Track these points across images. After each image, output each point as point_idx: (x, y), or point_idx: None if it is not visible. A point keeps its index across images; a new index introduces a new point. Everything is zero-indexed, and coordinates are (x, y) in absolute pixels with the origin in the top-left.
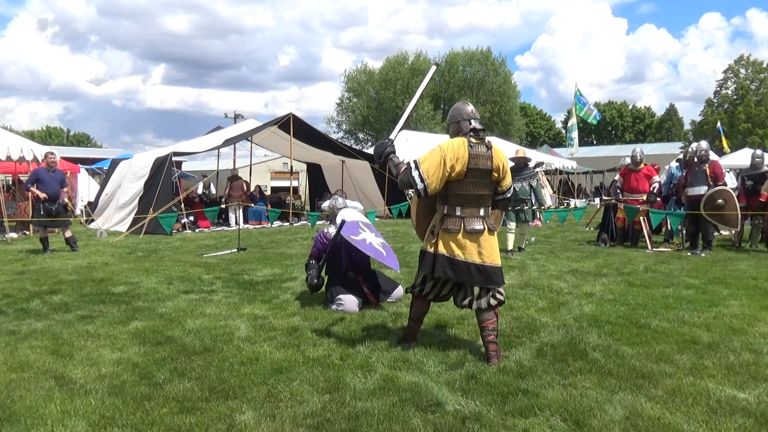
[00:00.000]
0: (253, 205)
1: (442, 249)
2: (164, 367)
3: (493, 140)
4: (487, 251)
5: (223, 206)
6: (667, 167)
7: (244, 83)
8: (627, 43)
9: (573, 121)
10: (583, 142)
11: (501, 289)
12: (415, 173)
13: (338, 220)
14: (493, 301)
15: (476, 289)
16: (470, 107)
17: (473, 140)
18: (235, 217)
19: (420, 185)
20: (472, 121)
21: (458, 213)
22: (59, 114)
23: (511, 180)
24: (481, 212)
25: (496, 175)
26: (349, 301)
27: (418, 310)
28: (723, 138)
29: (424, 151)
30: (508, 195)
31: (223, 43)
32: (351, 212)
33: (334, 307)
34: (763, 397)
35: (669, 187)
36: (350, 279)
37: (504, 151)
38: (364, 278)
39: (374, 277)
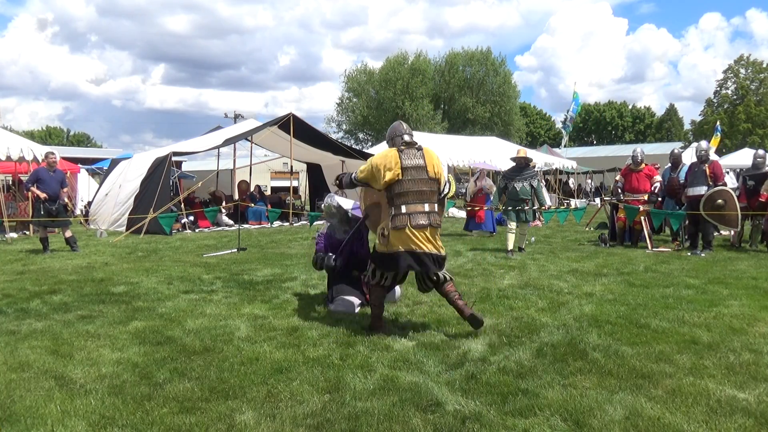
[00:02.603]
0: (252, 205)
1: (399, 246)
2: (164, 367)
3: (493, 140)
4: (436, 242)
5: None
6: (666, 167)
7: (244, 83)
8: (627, 43)
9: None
10: (583, 142)
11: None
12: (353, 172)
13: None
14: (447, 275)
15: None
16: (404, 126)
17: (403, 146)
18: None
19: (353, 175)
20: (405, 136)
21: (404, 211)
22: (59, 114)
23: (513, 180)
24: (426, 208)
25: (431, 170)
26: (349, 302)
27: (379, 297)
28: (716, 136)
29: None
30: (446, 191)
31: (223, 43)
32: (347, 201)
33: (333, 306)
34: (763, 397)
35: (664, 188)
36: (353, 278)
37: (504, 151)
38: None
39: None
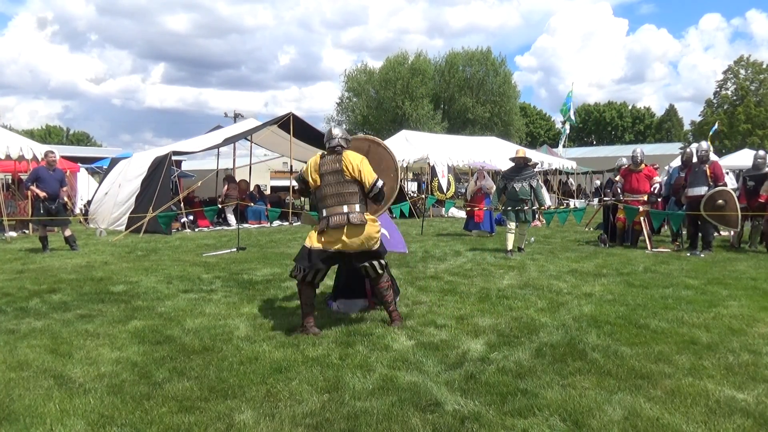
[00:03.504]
0: (252, 204)
1: (314, 244)
2: (163, 367)
3: (493, 140)
4: (351, 239)
5: (220, 206)
6: (666, 167)
7: (244, 82)
8: (627, 44)
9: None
10: (582, 143)
11: (380, 261)
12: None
13: None
14: (378, 270)
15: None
16: (335, 131)
17: (325, 152)
18: (235, 216)
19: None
20: (331, 141)
21: (324, 214)
22: (59, 113)
23: (513, 180)
24: (345, 209)
25: (348, 173)
26: (351, 303)
27: (307, 295)
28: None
29: (423, 151)
30: (376, 192)
31: (223, 43)
32: None
33: (335, 306)
34: (761, 397)
35: (669, 188)
36: (358, 277)
37: (504, 151)
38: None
39: None
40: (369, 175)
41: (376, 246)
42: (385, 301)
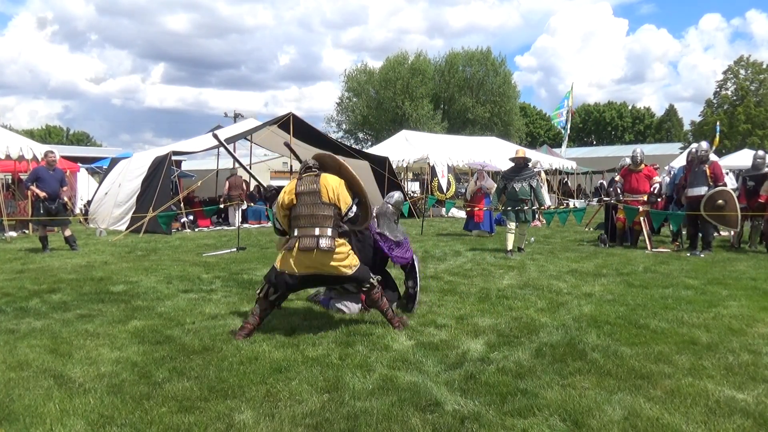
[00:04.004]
0: (252, 204)
1: (281, 265)
2: (163, 367)
3: (493, 140)
4: (318, 265)
5: (222, 206)
6: (667, 167)
7: (243, 82)
8: (627, 44)
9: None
10: (582, 143)
11: (365, 283)
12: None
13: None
14: (367, 285)
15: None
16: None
17: (303, 174)
18: (236, 216)
19: (277, 225)
20: (309, 161)
21: (296, 233)
22: (59, 113)
23: (512, 180)
24: (316, 232)
25: (325, 195)
26: (347, 306)
27: (264, 310)
28: (716, 136)
29: (423, 151)
30: (351, 216)
31: (223, 42)
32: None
33: (330, 305)
34: (761, 397)
35: (673, 187)
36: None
37: (504, 151)
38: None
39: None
40: (345, 200)
41: (350, 272)
42: (381, 310)
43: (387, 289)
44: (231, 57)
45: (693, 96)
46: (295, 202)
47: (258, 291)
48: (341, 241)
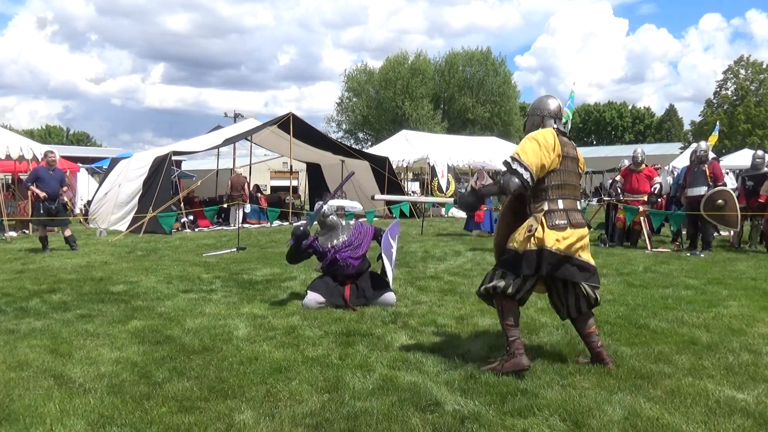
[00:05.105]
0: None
1: (548, 244)
2: (163, 367)
3: (493, 140)
4: (586, 247)
5: (224, 205)
6: (667, 167)
7: (243, 82)
8: (627, 44)
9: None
10: (582, 143)
11: (595, 287)
12: (515, 165)
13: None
14: (590, 302)
15: (570, 291)
16: (557, 103)
17: (559, 130)
18: (237, 216)
19: (526, 174)
20: (555, 120)
21: (561, 206)
22: (59, 113)
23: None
24: (579, 205)
25: (580, 166)
26: (310, 297)
27: (515, 313)
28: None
29: (423, 151)
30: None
31: (223, 42)
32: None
33: (304, 300)
34: (761, 397)
35: (677, 187)
36: (334, 283)
37: (504, 151)
38: (352, 281)
39: (364, 281)
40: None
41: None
42: (599, 348)
43: (376, 289)
44: (231, 57)
45: (693, 96)
46: (557, 165)
47: (495, 290)
48: None
